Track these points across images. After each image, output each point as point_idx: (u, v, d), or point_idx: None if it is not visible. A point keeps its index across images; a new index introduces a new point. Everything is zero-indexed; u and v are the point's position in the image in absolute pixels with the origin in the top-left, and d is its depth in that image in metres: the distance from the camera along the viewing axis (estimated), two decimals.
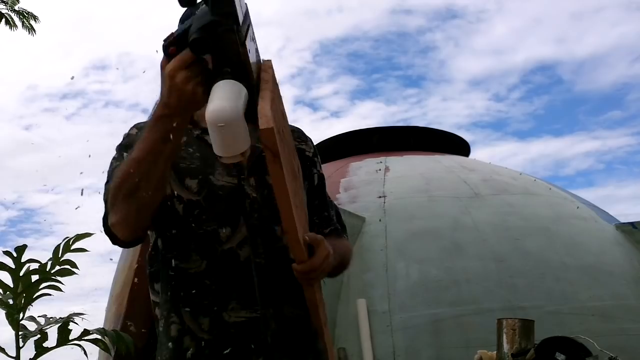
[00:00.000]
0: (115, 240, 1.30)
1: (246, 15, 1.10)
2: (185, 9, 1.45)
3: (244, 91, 1.07)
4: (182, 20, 1.45)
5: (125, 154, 1.34)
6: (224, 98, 1.03)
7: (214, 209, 1.32)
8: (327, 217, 1.49)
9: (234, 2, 1.04)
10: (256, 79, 1.12)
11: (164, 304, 1.34)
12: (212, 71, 1.09)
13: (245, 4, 1.12)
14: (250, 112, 1.07)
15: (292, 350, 1.33)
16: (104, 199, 1.30)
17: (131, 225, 1.26)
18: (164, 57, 1.11)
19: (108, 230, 1.29)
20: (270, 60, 1.18)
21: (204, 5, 1.09)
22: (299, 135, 1.50)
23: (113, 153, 1.43)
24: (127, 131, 1.44)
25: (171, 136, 1.14)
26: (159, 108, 1.13)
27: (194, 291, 1.31)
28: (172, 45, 1.09)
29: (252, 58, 1.10)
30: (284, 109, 1.22)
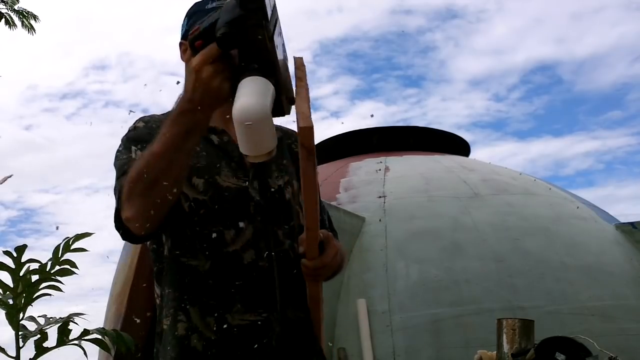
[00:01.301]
0: (126, 235, 1.26)
1: (274, 10, 1.07)
2: (192, 3, 1.45)
3: (271, 88, 1.04)
4: (189, 15, 1.44)
5: (133, 147, 1.32)
6: (251, 95, 1.00)
7: (220, 210, 1.31)
8: (320, 220, 1.50)
9: None
10: (284, 74, 1.09)
11: (170, 301, 1.33)
12: (238, 66, 1.05)
13: None
14: (276, 108, 1.05)
15: (295, 353, 1.33)
16: (115, 193, 1.27)
17: (147, 219, 1.21)
18: (189, 50, 1.07)
19: (120, 225, 1.25)
20: (302, 58, 1.17)
21: None
22: (295, 139, 1.50)
23: (113, 153, 1.42)
24: (132, 124, 1.42)
25: (192, 132, 1.11)
26: (182, 102, 1.10)
27: (199, 290, 1.30)
28: (198, 39, 1.05)
29: (279, 54, 1.07)
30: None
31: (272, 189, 1.38)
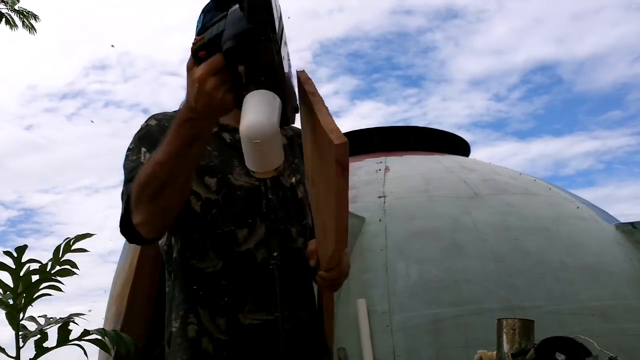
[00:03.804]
0: (133, 238, 1.27)
1: (280, 19, 1.03)
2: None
3: (278, 102, 1.01)
4: (205, 11, 1.43)
5: (143, 149, 1.32)
6: (259, 112, 0.97)
7: (232, 209, 1.32)
8: None
9: (272, 8, 0.97)
10: (289, 84, 1.06)
11: (180, 303, 1.33)
12: (244, 77, 1.01)
13: (279, 5, 1.04)
14: (282, 119, 1.01)
15: (305, 352, 1.34)
16: (122, 197, 1.27)
17: (156, 225, 1.23)
18: (190, 59, 1.03)
19: (127, 229, 1.26)
20: (304, 71, 1.13)
21: (237, 7, 1.01)
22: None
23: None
24: (144, 122, 1.41)
25: (196, 140, 1.10)
26: (184, 112, 1.08)
27: (210, 291, 1.30)
28: (202, 49, 1.01)
29: (285, 66, 1.04)
30: None
31: (285, 187, 1.38)
